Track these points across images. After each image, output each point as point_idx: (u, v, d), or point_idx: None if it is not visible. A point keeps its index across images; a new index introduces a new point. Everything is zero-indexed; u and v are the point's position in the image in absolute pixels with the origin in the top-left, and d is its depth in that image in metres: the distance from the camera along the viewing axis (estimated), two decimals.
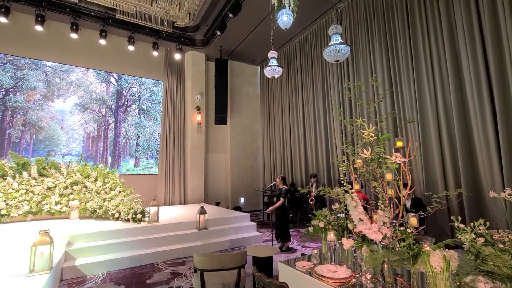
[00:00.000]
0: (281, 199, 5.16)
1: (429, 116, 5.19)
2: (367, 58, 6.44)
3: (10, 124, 7.10)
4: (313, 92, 8.10)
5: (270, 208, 5.27)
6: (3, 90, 7.08)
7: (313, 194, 6.39)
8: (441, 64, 5.06)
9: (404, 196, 4.71)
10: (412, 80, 5.50)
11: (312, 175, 7.17)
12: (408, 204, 4.77)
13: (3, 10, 6.34)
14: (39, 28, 6.85)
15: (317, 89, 7.95)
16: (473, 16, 4.57)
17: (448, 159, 4.90)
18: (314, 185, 6.94)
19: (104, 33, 7.56)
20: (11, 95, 7.17)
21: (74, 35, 7.23)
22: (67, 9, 7.06)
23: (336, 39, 3.62)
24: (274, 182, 5.57)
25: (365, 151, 1.85)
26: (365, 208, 2.05)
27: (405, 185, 4.85)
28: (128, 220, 5.28)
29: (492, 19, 4.32)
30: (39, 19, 6.76)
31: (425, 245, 1.77)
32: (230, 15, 6.75)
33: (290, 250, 5.19)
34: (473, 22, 4.56)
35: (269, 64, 4.87)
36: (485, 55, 4.46)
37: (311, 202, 5.69)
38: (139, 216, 5.29)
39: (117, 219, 5.43)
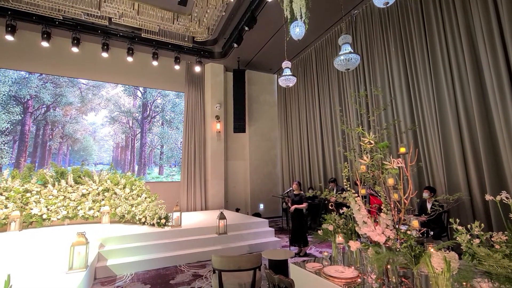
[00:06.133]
0: (304, 203, 5.25)
1: (449, 119, 5.07)
2: (383, 63, 6.42)
3: (50, 137, 7.87)
4: (330, 98, 8.15)
5: (293, 206, 5.35)
6: (45, 106, 7.89)
7: (333, 199, 6.37)
8: (460, 66, 4.95)
9: (428, 198, 4.63)
10: (430, 83, 5.42)
11: (331, 180, 7.14)
12: (429, 206, 4.68)
13: (45, 36, 7.14)
14: (75, 49, 7.61)
15: (333, 95, 7.99)
16: (491, 15, 4.46)
17: (471, 162, 4.74)
18: (334, 190, 6.91)
19: (131, 51, 8.20)
20: (51, 110, 7.96)
21: (105, 54, 7.93)
22: (99, 31, 7.77)
23: (346, 49, 3.73)
24: (291, 188, 5.67)
25: (364, 157, 1.96)
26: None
27: (430, 189, 4.78)
28: (153, 225, 5.63)
29: None
30: (75, 41, 7.51)
31: (429, 247, 1.84)
32: (246, 28, 7.07)
33: (307, 255, 5.24)
34: (492, 20, 4.45)
35: (283, 74, 5.07)
36: (506, 54, 4.32)
37: (330, 207, 5.69)
38: (163, 221, 5.62)
39: (143, 223, 5.80)
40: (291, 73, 4.99)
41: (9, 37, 6.92)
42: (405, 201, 1.86)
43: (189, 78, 9.63)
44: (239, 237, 5.76)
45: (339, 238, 2.31)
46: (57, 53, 7.99)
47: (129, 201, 6.19)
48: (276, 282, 1.85)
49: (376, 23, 6.60)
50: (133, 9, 7.09)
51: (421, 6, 5.61)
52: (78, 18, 7.21)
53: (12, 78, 7.56)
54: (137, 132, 9.04)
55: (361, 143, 2.02)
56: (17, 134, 7.48)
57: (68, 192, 6.01)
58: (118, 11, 7.02)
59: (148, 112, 9.29)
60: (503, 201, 1.52)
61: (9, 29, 6.82)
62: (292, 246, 5.35)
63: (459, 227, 1.55)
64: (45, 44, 7.26)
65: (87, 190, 6.16)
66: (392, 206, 1.99)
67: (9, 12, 6.73)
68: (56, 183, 6.06)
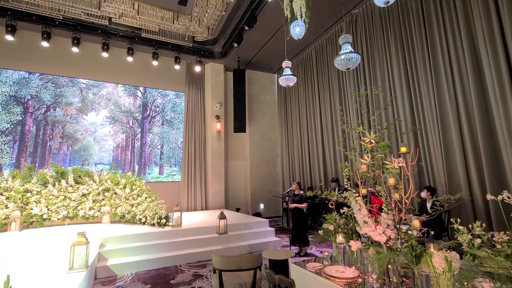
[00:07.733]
0: (304, 203, 5.24)
1: (450, 118, 5.07)
2: (383, 62, 6.41)
3: (50, 137, 7.87)
4: (330, 98, 8.14)
5: (293, 204, 5.34)
6: (45, 106, 7.89)
7: (334, 198, 6.37)
8: (460, 65, 4.94)
9: (428, 198, 4.63)
10: (430, 82, 5.41)
11: (334, 179, 7.12)
12: (429, 205, 4.68)
13: (45, 36, 7.14)
14: (75, 49, 7.60)
15: (334, 95, 7.98)
16: (492, 13, 4.45)
17: (472, 161, 4.73)
18: (336, 189, 6.89)
19: (131, 51, 8.19)
20: (51, 110, 7.96)
21: (105, 54, 7.92)
22: (99, 31, 7.77)
23: (346, 48, 3.72)
24: (291, 187, 5.67)
25: (365, 157, 1.96)
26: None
27: (428, 188, 4.78)
28: (153, 225, 5.63)
29: None
30: (75, 41, 7.50)
31: (430, 247, 1.84)
32: (246, 27, 7.06)
33: (308, 255, 5.23)
34: (492, 19, 4.44)
35: (283, 74, 5.06)
36: (506, 53, 4.31)
37: (331, 207, 5.70)
38: (163, 221, 5.61)
39: (144, 223, 5.80)
40: (291, 73, 4.99)
41: (9, 37, 6.91)
42: (406, 200, 1.85)
43: (189, 78, 9.63)
44: (239, 237, 5.75)
45: (340, 238, 2.30)
46: (57, 53, 7.98)
47: (130, 201, 6.19)
48: (277, 282, 1.85)
49: (376, 22, 6.59)
50: (133, 9, 7.08)
51: (422, 5, 5.60)
52: (78, 18, 7.21)
53: (12, 78, 7.56)
54: (137, 132, 9.04)
55: (362, 142, 2.01)
56: (17, 134, 7.48)
57: (68, 192, 6.01)
58: (118, 11, 7.02)
59: (148, 112, 9.29)
60: (505, 200, 1.51)
61: (9, 29, 6.81)
62: (292, 246, 5.35)
63: (460, 227, 1.55)
64: (45, 44, 7.26)
65: (87, 190, 6.16)
66: (393, 205, 1.98)
67: (9, 12, 6.72)
68: (57, 183, 6.05)
